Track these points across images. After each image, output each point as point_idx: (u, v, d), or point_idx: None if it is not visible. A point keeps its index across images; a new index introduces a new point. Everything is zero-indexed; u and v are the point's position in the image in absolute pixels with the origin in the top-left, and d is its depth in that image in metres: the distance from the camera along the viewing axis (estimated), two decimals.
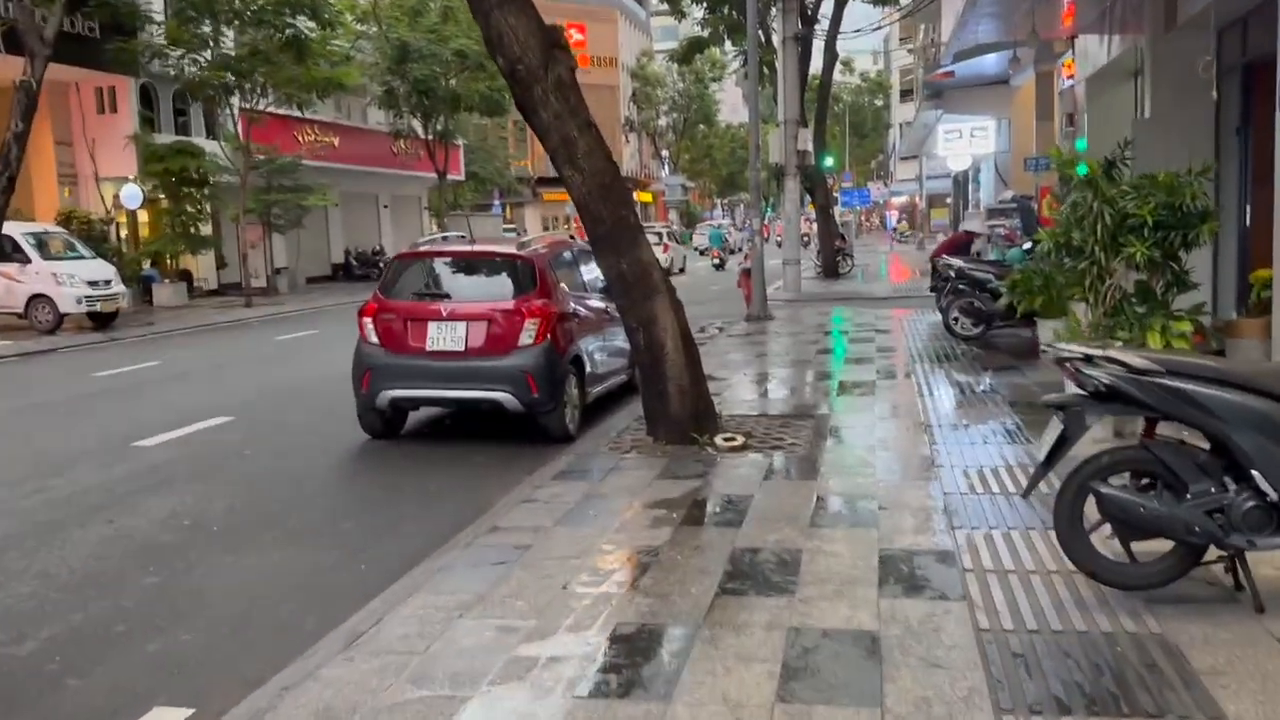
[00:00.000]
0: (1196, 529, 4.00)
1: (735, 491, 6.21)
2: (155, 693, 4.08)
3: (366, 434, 8.78)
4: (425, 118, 33.78)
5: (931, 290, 15.60)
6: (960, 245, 15.22)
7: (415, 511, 6.55)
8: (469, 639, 4.13)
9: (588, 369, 8.96)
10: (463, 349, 8.23)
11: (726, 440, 7.53)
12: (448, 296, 8.53)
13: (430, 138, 34.18)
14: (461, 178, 42.55)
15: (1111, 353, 4.14)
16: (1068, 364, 4.26)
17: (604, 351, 9.37)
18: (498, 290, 8.49)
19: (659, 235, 41.19)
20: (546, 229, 57.26)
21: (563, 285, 9.01)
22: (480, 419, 8.94)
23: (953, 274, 13.11)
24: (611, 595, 4.54)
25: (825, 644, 3.92)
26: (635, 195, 72.75)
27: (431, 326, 8.31)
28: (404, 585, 4.87)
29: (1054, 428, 4.23)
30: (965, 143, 31.92)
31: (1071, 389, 4.41)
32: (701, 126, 75.62)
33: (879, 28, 29.52)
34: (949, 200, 50.46)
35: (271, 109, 27.56)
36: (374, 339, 8.49)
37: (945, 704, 3.39)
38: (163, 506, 6.79)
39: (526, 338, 8.21)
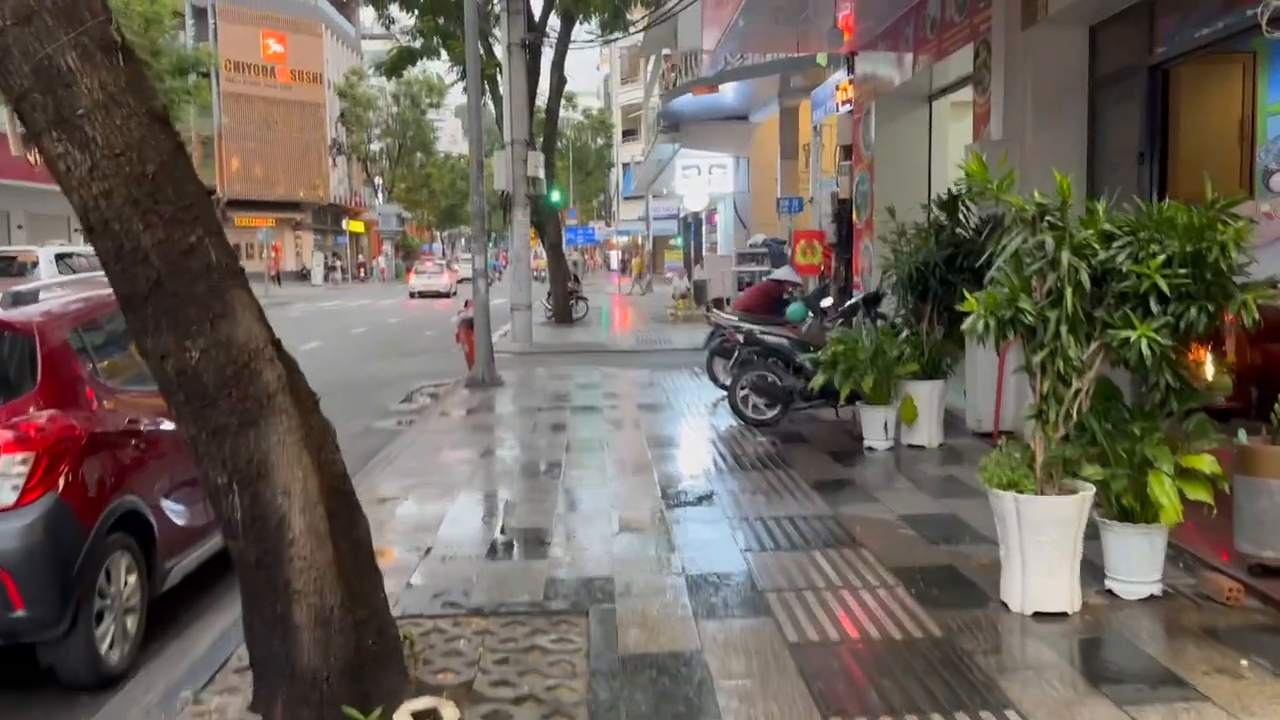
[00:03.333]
0: None
1: None
2: None
3: None
4: None
5: (706, 347, 12.44)
6: (772, 298, 12.11)
7: None
8: None
9: (160, 529, 4.76)
10: None
11: (419, 718, 3.61)
12: None
13: None
14: None
15: None
16: None
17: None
18: None
19: (441, 266, 37.30)
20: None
21: (106, 376, 4.79)
22: None
23: (741, 339, 9.84)
24: None
25: None
26: (345, 224, 66.47)
27: None
28: None
29: None
30: (704, 180, 29.64)
31: None
32: (419, 155, 70.77)
33: (610, 41, 26.73)
34: (674, 241, 48.71)
35: None
36: None
37: None
38: None
39: (6, 490, 3.93)
